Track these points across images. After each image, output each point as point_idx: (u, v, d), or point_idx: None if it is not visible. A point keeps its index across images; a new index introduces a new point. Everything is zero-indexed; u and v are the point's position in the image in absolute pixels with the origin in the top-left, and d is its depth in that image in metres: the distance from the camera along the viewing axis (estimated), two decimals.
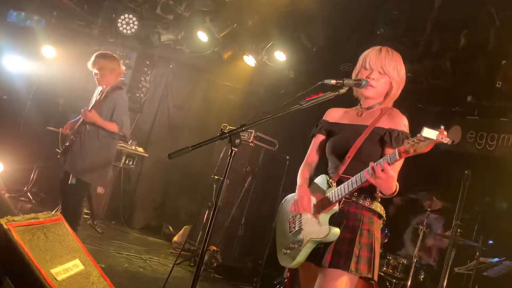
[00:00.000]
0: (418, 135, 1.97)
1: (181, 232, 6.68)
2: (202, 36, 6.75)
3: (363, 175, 2.22)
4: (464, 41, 4.98)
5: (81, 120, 4.60)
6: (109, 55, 4.67)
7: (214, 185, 5.68)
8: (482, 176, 4.73)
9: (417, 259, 4.80)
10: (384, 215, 2.45)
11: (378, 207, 2.42)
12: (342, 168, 2.41)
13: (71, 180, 4.50)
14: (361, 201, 2.39)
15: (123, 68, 4.78)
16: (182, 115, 7.91)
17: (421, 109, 5.64)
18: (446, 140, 1.93)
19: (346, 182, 2.32)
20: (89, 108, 4.56)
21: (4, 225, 2.38)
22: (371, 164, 2.16)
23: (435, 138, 1.93)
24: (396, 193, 2.28)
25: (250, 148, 6.26)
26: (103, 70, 4.57)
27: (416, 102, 5.61)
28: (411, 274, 4.72)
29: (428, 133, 1.93)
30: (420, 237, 4.85)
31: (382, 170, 2.12)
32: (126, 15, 6.85)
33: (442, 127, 1.94)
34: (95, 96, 4.76)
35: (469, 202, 4.52)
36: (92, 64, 4.59)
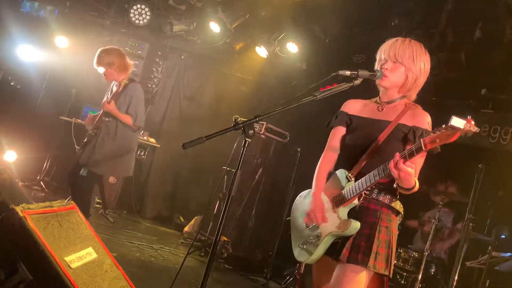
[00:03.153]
0: (444, 125, 1.94)
1: (191, 222, 6.71)
2: (214, 26, 6.74)
3: (386, 168, 2.17)
4: (479, 33, 4.92)
5: (101, 114, 4.66)
6: (106, 50, 4.60)
7: (226, 176, 5.69)
8: (495, 170, 4.69)
9: (428, 253, 4.78)
10: (402, 212, 2.43)
11: (397, 204, 2.40)
12: (362, 163, 2.38)
13: (82, 171, 4.56)
14: (381, 198, 2.36)
15: (129, 61, 4.70)
16: (193, 106, 7.92)
17: (434, 103, 5.59)
18: (474, 129, 1.90)
19: (366, 176, 2.29)
20: (109, 100, 4.59)
21: (19, 212, 2.41)
22: (397, 155, 2.11)
23: (462, 127, 1.90)
24: (415, 189, 2.24)
25: (261, 140, 6.26)
26: (101, 66, 4.58)
27: (430, 95, 5.56)
28: (422, 267, 4.71)
29: (457, 122, 1.90)
30: (432, 231, 4.82)
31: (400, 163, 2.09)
32: (139, 6, 6.85)
33: (469, 116, 1.91)
34: (111, 89, 4.81)
35: (482, 196, 4.49)
36: (95, 63, 4.59)
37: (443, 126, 1.95)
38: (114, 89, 4.75)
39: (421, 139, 2.05)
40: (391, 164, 2.12)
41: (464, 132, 1.92)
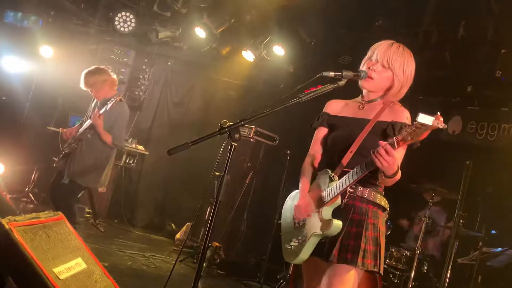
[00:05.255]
0: (415, 122, 1.96)
1: (183, 229, 6.68)
2: (200, 32, 6.73)
3: (368, 162, 2.19)
4: (463, 31, 4.96)
5: (85, 127, 4.70)
6: (96, 70, 4.73)
7: (216, 181, 5.66)
8: (483, 166, 4.72)
9: (420, 251, 4.79)
10: (388, 208, 2.44)
11: (382, 200, 2.41)
12: (345, 162, 2.38)
13: (64, 179, 4.58)
14: (365, 195, 2.37)
15: (115, 76, 4.85)
16: (181, 112, 7.90)
17: (421, 101, 5.62)
18: (442, 125, 1.92)
19: (346, 175, 2.30)
20: (99, 114, 4.59)
21: (5, 225, 2.38)
22: (381, 143, 2.11)
23: (431, 124, 1.92)
24: (397, 178, 2.25)
25: (250, 143, 6.25)
26: (96, 86, 4.69)
27: (416, 94, 5.59)
28: (414, 265, 4.72)
29: (424, 119, 1.92)
30: (423, 229, 4.84)
31: (387, 153, 2.10)
32: (123, 13, 6.83)
33: (438, 113, 1.93)
34: (93, 106, 4.86)
35: (471, 192, 4.52)
36: (84, 85, 4.70)
37: (414, 123, 1.97)
38: (93, 104, 4.85)
39: (394, 138, 2.08)
40: (378, 151, 2.11)
41: (433, 128, 1.93)
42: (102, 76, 4.71)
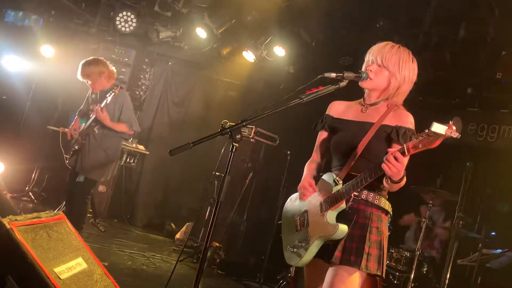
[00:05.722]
0: (427, 130, 1.95)
1: (183, 229, 6.69)
2: (201, 32, 6.73)
3: (376, 168, 2.19)
4: (464, 32, 4.97)
5: (89, 122, 4.70)
6: (92, 61, 4.71)
7: (216, 182, 5.68)
8: (483, 168, 4.73)
9: (420, 252, 4.79)
10: (391, 212, 2.44)
11: (386, 204, 2.41)
12: (349, 165, 2.38)
13: (79, 178, 4.58)
14: (370, 199, 2.37)
15: (113, 69, 4.82)
16: (182, 112, 7.90)
17: (421, 102, 5.63)
18: (455, 134, 1.91)
19: (353, 180, 2.30)
20: (101, 107, 4.58)
21: (6, 224, 2.38)
22: (390, 151, 2.11)
23: (444, 133, 1.91)
24: (402, 183, 2.26)
25: (251, 144, 6.25)
26: (92, 77, 4.67)
27: (416, 95, 5.60)
28: (414, 266, 4.72)
29: (438, 128, 1.91)
30: (423, 230, 4.84)
31: (397, 160, 2.10)
32: (124, 13, 6.84)
33: (450, 122, 1.92)
34: (90, 97, 4.87)
35: (471, 194, 4.52)
36: (81, 75, 4.69)
37: (426, 131, 1.97)
38: (93, 96, 4.83)
39: (404, 144, 2.08)
40: (388, 158, 2.11)
41: (446, 137, 1.93)
42: (98, 67, 4.67)
